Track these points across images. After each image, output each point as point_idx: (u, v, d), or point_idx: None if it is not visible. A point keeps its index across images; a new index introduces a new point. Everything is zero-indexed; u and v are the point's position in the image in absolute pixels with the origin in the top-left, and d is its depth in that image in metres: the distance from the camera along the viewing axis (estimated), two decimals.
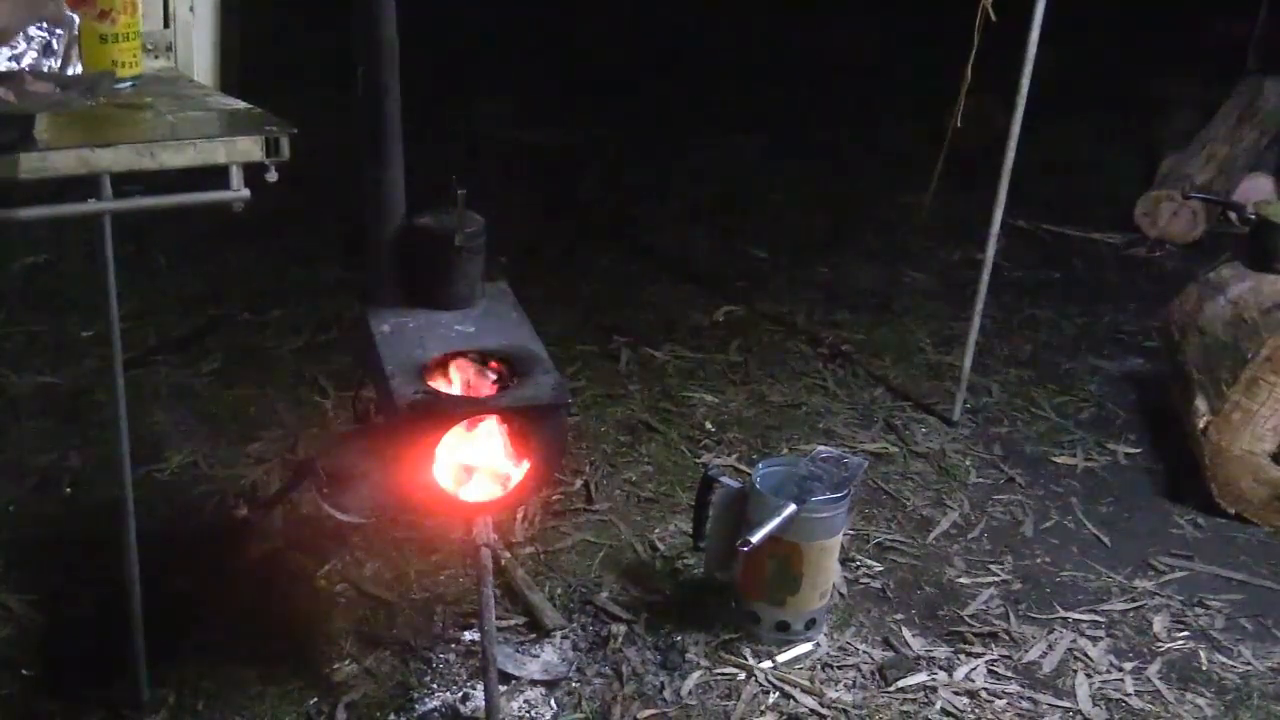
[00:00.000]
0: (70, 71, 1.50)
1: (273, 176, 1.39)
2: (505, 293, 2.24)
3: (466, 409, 1.97)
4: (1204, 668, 2.30)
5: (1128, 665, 2.30)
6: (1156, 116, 5.46)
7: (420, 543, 2.50)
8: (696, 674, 2.20)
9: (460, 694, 2.12)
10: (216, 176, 1.42)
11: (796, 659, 2.25)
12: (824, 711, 2.14)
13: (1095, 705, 2.19)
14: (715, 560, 2.34)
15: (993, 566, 2.58)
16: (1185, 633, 2.40)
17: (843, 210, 4.69)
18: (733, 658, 2.25)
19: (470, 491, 2.04)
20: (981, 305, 3.06)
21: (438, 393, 1.95)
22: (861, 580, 2.50)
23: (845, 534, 2.40)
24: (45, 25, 1.44)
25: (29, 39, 1.43)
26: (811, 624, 2.31)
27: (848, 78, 6.10)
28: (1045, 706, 2.17)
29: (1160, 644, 2.36)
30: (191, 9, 1.68)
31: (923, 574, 2.54)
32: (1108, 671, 2.28)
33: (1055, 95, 3.75)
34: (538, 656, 2.23)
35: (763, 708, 2.14)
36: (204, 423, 2.95)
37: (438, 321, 2.10)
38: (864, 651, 2.29)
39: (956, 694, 2.19)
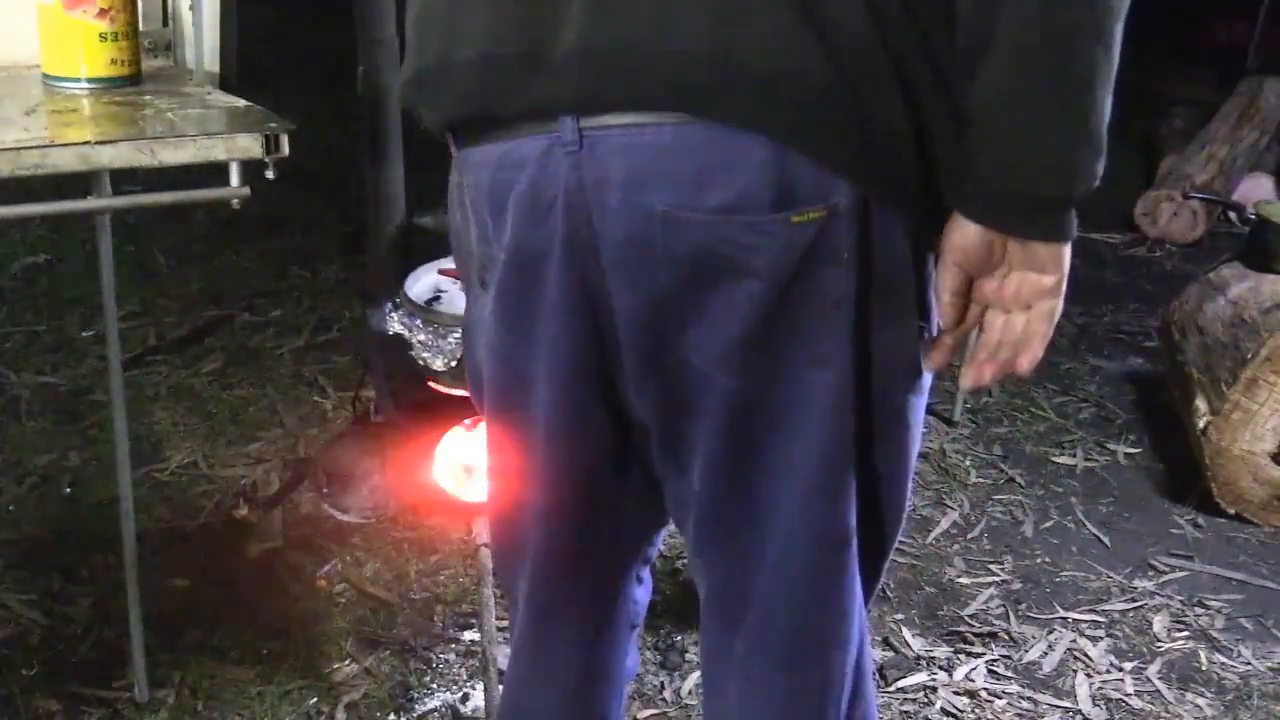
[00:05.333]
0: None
1: (272, 174, 1.39)
2: None
3: (466, 409, 1.97)
4: (1204, 668, 2.30)
5: (1128, 665, 2.29)
6: (1156, 116, 5.46)
7: (420, 543, 2.49)
8: (696, 674, 2.20)
9: (460, 694, 2.12)
10: (216, 176, 1.42)
11: None
12: None
13: (1095, 705, 2.18)
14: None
15: (993, 566, 2.58)
16: (1185, 633, 2.40)
17: None
18: None
19: (470, 491, 2.04)
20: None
21: (439, 392, 1.95)
22: None
23: None
24: None
25: None
26: None
27: None
28: (1045, 706, 2.17)
29: (1160, 644, 2.36)
30: (191, 7, 1.68)
31: (923, 574, 2.54)
32: (1108, 671, 2.28)
33: None
34: None
35: None
36: (204, 423, 2.95)
37: None
38: None
39: (956, 694, 2.19)
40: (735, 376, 1.08)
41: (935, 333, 1.12)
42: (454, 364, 1.94)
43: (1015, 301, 1.06)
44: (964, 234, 1.03)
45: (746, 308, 1.04)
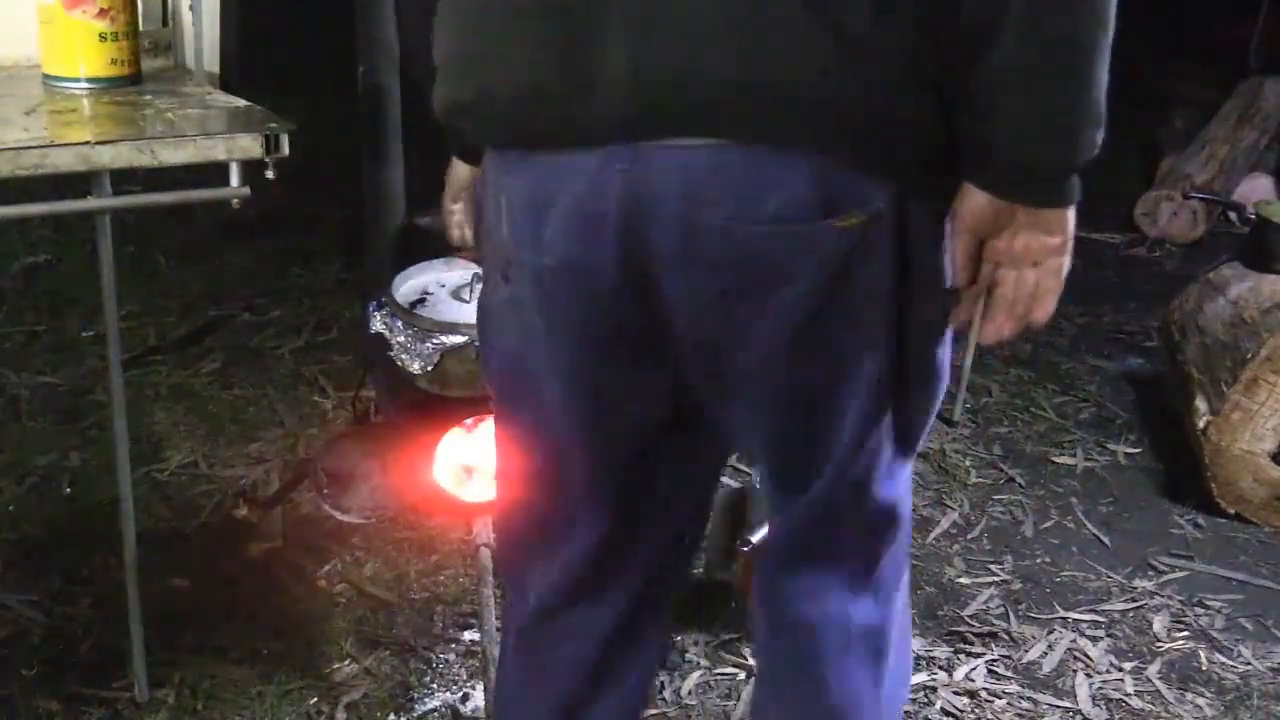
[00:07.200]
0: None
1: (272, 174, 1.39)
2: None
3: (467, 409, 1.97)
4: (1204, 668, 2.30)
5: (1128, 665, 2.29)
6: (1156, 116, 5.46)
7: (420, 543, 2.49)
8: (696, 674, 2.20)
9: (460, 694, 2.12)
10: (216, 176, 1.42)
11: None
12: None
13: (1095, 705, 2.18)
14: (715, 560, 2.34)
15: (993, 566, 2.58)
16: (1185, 633, 2.40)
17: None
18: (733, 658, 2.25)
19: (470, 491, 2.04)
20: (982, 305, 3.05)
21: (439, 394, 1.95)
22: None
23: None
24: None
25: None
26: None
27: None
28: (1045, 706, 2.17)
29: (1160, 644, 2.36)
30: (191, 7, 1.68)
31: (923, 574, 2.53)
32: (1108, 671, 2.28)
33: None
34: None
35: None
36: (204, 423, 2.95)
37: None
38: None
39: (956, 694, 2.19)
40: (783, 371, 1.17)
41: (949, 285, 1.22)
42: (430, 368, 1.94)
43: (1024, 259, 1.14)
44: (974, 201, 1.12)
45: (795, 308, 1.12)
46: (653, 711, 2.10)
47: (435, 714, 2.08)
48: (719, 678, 2.20)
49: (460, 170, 1.50)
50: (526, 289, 1.20)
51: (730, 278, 1.11)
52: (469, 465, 2.03)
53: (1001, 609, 2.44)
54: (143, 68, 1.60)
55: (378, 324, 2.00)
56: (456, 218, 1.56)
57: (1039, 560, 2.62)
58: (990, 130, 1.07)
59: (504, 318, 1.26)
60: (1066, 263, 1.16)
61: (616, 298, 1.15)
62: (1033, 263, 1.14)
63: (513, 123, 1.14)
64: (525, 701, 1.47)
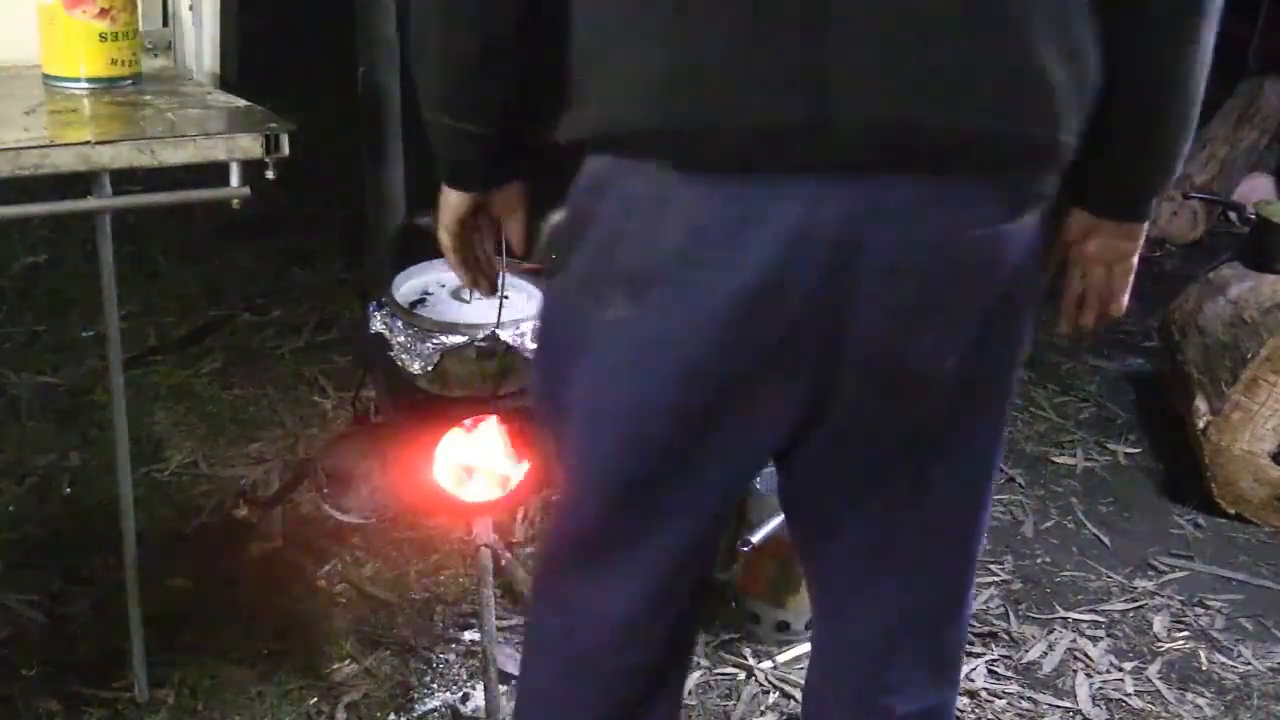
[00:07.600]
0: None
1: (272, 174, 1.39)
2: None
3: (467, 409, 1.97)
4: (1204, 668, 2.30)
5: (1128, 665, 2.30)
6: None
7: (420, 543, 2.49)
8: (696, 674, 2.20)
9: (460, 694, 2.12)
10: (216, 176, 1.42)
11: (797, 659, 2.25)
12: None
13: (1095, 705, 2.19)
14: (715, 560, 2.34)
15: (993, 566, 2.58)
16: (1185, 633, 2.40)
17: None
18: (733, 658, 2.25)
19: (470, 491, 2.04)
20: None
21: (439, 394, 1.96)
22: None
23: None
24: None
25: None
26: (812, 624, 2.30)
27: None
28: (1045, 706, 2.17)
29: (1160, 644, 2.36)
30: (191, 7, 1.68)
31: None
32: (1108, 671, 2.28)
33: None
34: None
35: (763, 708, 2.14)
36: (204, 423, 2.95)
37: None
38: None
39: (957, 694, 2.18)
40: (956, 369, 1.22)
41: None
42: (430, 368, 1.94)
43: (1095, 260, 1.30)
44: (1068, 216, 1.27)
45: (980, 306, 1.20)
46: None
47: (435, 714, 2.08)
48: (719, 678, 2.20)
49: (459, 201, 1.34)
50: (682, 307, 1.16)
51: (932, 284, 1.17)
52: (469, 465, 2.03)
53: (1001, 609, 2.44)
54: (143, 68, 1.60)
55: (378, 324, 2.00)
56: (461, 256, 1.39)
57: (1039, 560, 2.62)
58: (1099, 159, 1.20)
59: (613, 335, 1.20)
60: (1135, 263, 1.31)
61: (804, 317, 1.15)
62: (1104, 264, 1.30)
63: (733, 153, 1.13)
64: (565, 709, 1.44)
